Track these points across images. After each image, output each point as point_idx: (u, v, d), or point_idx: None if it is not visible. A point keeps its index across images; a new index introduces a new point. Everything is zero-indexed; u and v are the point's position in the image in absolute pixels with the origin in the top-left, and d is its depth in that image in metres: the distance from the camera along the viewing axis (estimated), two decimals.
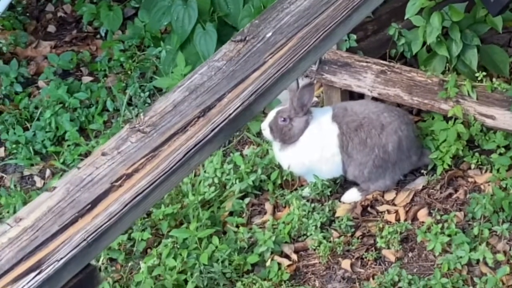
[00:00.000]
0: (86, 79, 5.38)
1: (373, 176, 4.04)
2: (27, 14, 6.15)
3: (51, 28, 6.10)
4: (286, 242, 3.87)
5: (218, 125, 2.85)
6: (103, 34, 5.75)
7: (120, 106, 4.89)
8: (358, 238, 3.87)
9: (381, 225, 3.88)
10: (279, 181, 4.19)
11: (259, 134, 4.58)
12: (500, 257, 3.62)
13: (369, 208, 4.05)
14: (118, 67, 5.36)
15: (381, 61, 4.35)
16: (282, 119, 4.00)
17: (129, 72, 5.25)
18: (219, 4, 4.91)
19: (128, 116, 4.80)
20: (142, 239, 3.86)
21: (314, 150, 4.03)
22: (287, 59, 3.01)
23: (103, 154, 2.66)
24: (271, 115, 4.04)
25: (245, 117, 2.93)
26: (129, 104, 5.02)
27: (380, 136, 4.00)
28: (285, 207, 4.09)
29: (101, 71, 5.36)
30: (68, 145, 4.68)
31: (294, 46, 3.05)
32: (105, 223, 2.45)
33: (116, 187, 2.55)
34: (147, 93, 4.95)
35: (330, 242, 3.82)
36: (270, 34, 3.11)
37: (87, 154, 4.49)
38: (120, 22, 5.56)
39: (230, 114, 2.88)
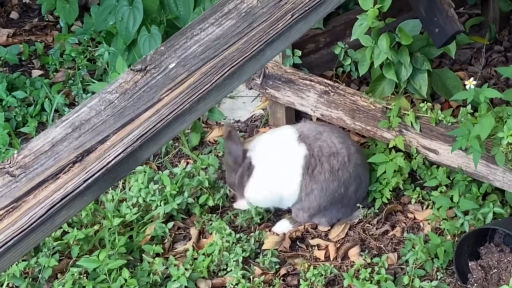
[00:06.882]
0: (36, 72, 4.78)
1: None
2: None
3: (14, 15, 5.49)
4: (203, 277, 3.28)
5: (94, 174, 2.29)
6: (62, 25, 5.12)
7: (58, 107, 4.28)
8: (281, 277, 3.28)
9: (306, 265, 3.28)
10: (211, 203, 3.59)
11: (195, 148, 3.99)
12: None
13: (298, 242, 3.45)
14: (70, 61, 4.76)
15: (325, 81, 3.72)
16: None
17: (80, 67, 4.65)
18: (168, 6, 4.28)
19: None
20: (48, 266, 3.26)
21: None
22: (184, 98, 2.43)
23: None
24: None
25: (127, 166, 2.34)
26: (73, 104, 4.42)
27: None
28: (211, 233, 3.49)
29: (52, 65, 4.75)
30: None
31: (194, 83, 2.45)
32: None
33: None
34: (89, 95, 4.34)
35: (249, 281, 3.23)
36: (173, 65, 2.51)
37: None
38: (76, 15, 4.91)
39: (109, 162, 2.30)
